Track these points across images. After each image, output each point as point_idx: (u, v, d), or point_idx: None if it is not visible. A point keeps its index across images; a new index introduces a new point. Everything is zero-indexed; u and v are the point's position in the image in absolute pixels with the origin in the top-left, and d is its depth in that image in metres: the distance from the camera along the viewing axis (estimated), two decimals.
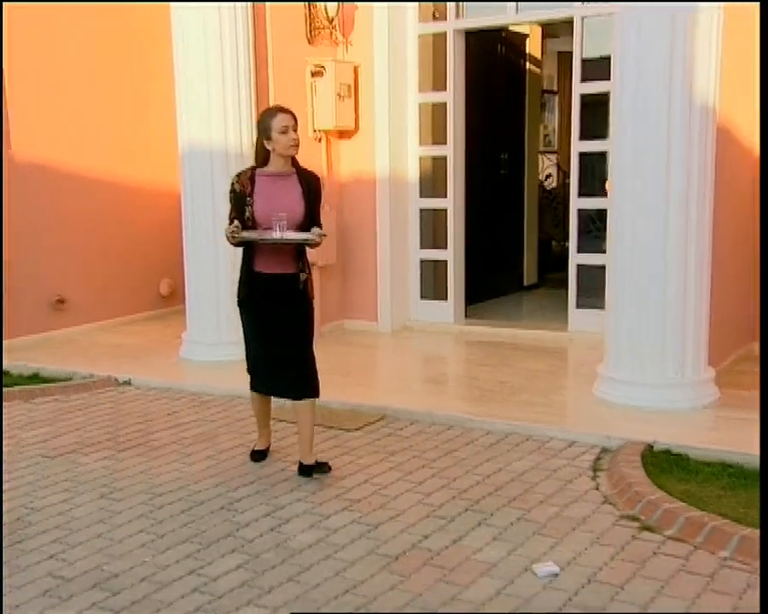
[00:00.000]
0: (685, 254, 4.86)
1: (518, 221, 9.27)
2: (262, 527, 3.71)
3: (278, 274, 4.18)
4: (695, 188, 4.82)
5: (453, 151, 7.39)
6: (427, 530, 3.62)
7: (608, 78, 6.50)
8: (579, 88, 6.77)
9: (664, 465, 4.23)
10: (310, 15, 7.05)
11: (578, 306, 6.92)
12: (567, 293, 7.07)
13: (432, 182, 7.66)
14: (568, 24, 7.24)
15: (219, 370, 6.33)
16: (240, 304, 4.36)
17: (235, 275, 6.52)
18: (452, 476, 4.24)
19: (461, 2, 7.45)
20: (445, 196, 7.48)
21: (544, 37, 10.00)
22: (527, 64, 9.30)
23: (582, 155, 6.82)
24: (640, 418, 4.79)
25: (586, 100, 6.83)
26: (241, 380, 6.06)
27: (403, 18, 7.34)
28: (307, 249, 4.26)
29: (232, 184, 4.14)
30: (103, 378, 6.18)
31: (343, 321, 7.73)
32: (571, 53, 9.72)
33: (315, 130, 7.17)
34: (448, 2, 7.31)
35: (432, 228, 7.73)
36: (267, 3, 6.72)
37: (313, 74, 7.03)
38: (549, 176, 11.53)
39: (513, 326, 7.30)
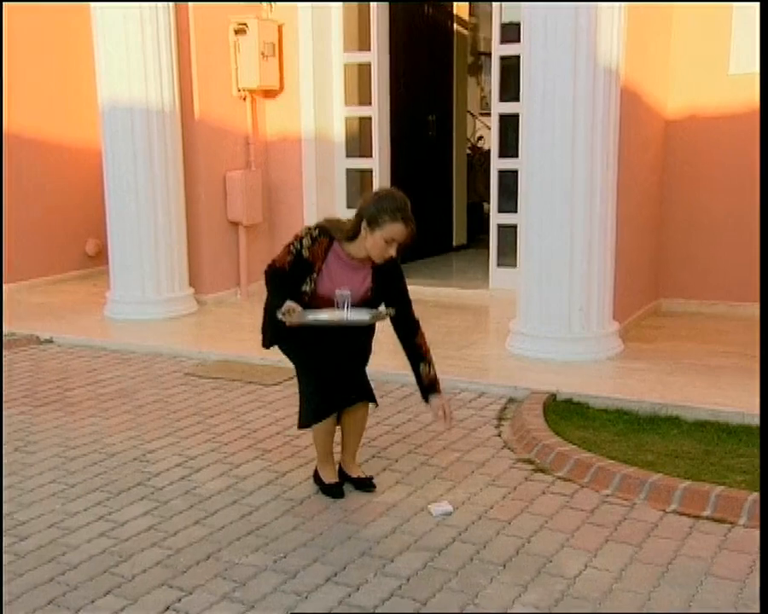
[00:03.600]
0: (590, 214, 5.04)
1: (446, 183, 9.40)
2: (173, 476, 3.81)
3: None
4: (599, 146, 4.99)
5: (378, 112, 7.47)
6: None
7: None
8: (499, 50, 6.89)
9: (564, 413, 4.44)
10: None
11: (499, 265, 7.10)
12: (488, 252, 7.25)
13: (358, 143, 7.74)
14: None
15: (142, 328, 6.38)
16: (300, 356, 3.58)
17: (158, 233, 6.60)
18: None
19: None
20: (371, 156, 7.57)
21: None
22: (455, 25, 9.38)
23: (503, 117, 6.96)
24: (547, 370, 5.00)
25: (507, 62, 6.94)
26: (164, 337, 6.17)
27: None
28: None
29: (301, 244, 3.34)
30: (25, 336, 6.17)
31: None
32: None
33: (239, 89, 7.17)
34: None
35: (359, 188, 7.81)
36: None
37: (236, 32, 7.01)
38: (480, 137, 11.66)
39: (437, 284, 7.46)
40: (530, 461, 3.84)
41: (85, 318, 6.75)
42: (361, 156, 7.65)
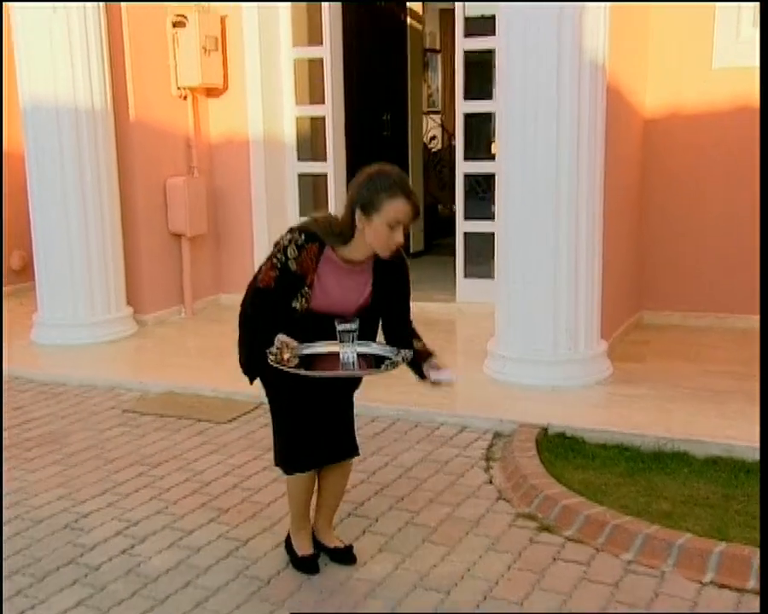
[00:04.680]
0: (576, 221, 4.55)
1: None
2: (111, 549, 3.19)
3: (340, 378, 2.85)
4: (586, 149, 4.50)
5: (332, 111, 6.89)
6: None
7: (493, 34, 6.23)
8: (463, 43, 6.37)
9: (559, 450, 3.94)
10: None
11: (467, 275, 6.60)
12: (454, 262, 6.75)
13: (310, 145, 7.16)
14: None
15: (75, 355, 5.71)
16: (279, 394, 2.89)
17: (91, 246, 5.88)
18: None
19: None
20: (325, 160, 6.99)
21: None
22: (408, 19, 8.86)
23: (467, 116, 6.45)
24: (533, 397, 4.51)
25: (470, 58, 6.44)
26: (99, 366, 5.50)
27: None
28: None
29: (285, 255, 2.70)
30: None
31: (218, 295, 7.16)
32: (453, 10, 9.39)
33: (179, 88, 6.52)
34: None
35: (312, 195, 7.23)
36: None
37: (174, 25, 6.36)
38: (433, 137, 11.17)
39: None
40: (531, 517, 3.33)
41: (10, 344, 6.03)
42: (314, 159, 7.06)
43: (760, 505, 2.87)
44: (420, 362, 2.80)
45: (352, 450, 3.06)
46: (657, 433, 3.93)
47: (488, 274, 6.64)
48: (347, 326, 2.66)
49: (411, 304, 2.96)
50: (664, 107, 5.67)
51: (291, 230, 2.77)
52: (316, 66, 6.98)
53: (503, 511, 3.40)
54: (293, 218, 7.10)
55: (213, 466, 3.95)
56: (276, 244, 2.77)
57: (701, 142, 5.60)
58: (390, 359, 2.70)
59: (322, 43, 6.85)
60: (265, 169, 6.85)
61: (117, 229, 6.14)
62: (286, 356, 2.63)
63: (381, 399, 4.62)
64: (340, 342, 2.68)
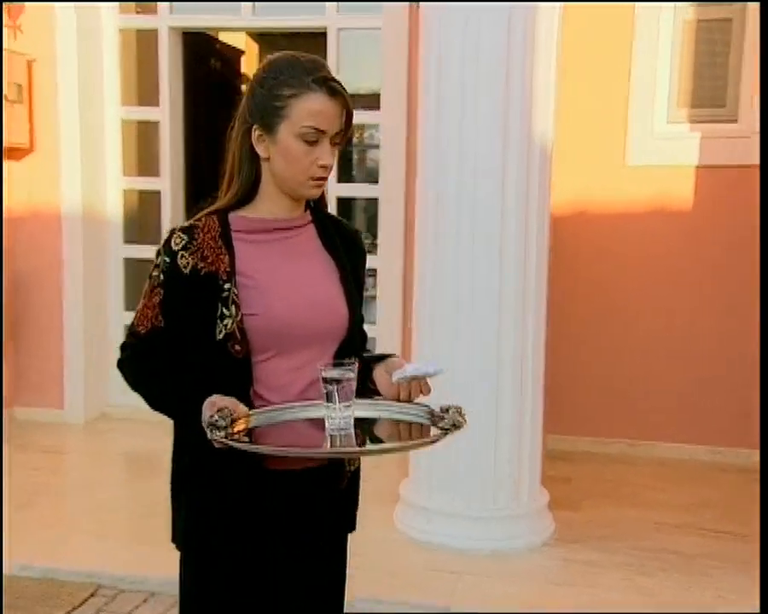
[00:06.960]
0: (523, 334, 3.66)
1: None
2: None
3: (306, 470, 1.72)
4: (534, 247, 3.69)
5: (170, 185, 5.63)
6: None
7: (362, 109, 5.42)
8: None
9: None
10: None
11: None
12: None
13: (141, 225, 5.85)
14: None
15: None
16: (205, 554, 1.79)
17: None
18: None
19: None
20: (158, 243, 5.70)
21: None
22: (243, 86, 7.85)
23: (341, 200, 5.49)
24: (475, 568, 3.50)
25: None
26: None
27: (96, 5, 5.47)
28: None
29: (170, 253, 1.71)
30: None
31: (13, 408, 5.56)
32: None
33: None
34: None
35: (140, 284, 5.88)
36: None
37: None
38: None
39: None
40: None
41: None
42: (145, 242, 5.72)
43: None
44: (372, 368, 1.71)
45: None
46: None
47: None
48: (332, 372, 1.54)
49: None
50: (571, 205, 5.03)
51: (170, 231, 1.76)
52: (149, 129, 5.73)
53: None
54: (116, 312, 5.74)
55: None
56: (156, 254, 1.75)
57: (613, 247, 5.01)
58: (427, 425, 1.58)
59: (158, 105, 5.63)
60: (83, 250, 5.44)
61: None
62: (239, 427, 1.54)
63: None
64: (326, 401, 1.55)
